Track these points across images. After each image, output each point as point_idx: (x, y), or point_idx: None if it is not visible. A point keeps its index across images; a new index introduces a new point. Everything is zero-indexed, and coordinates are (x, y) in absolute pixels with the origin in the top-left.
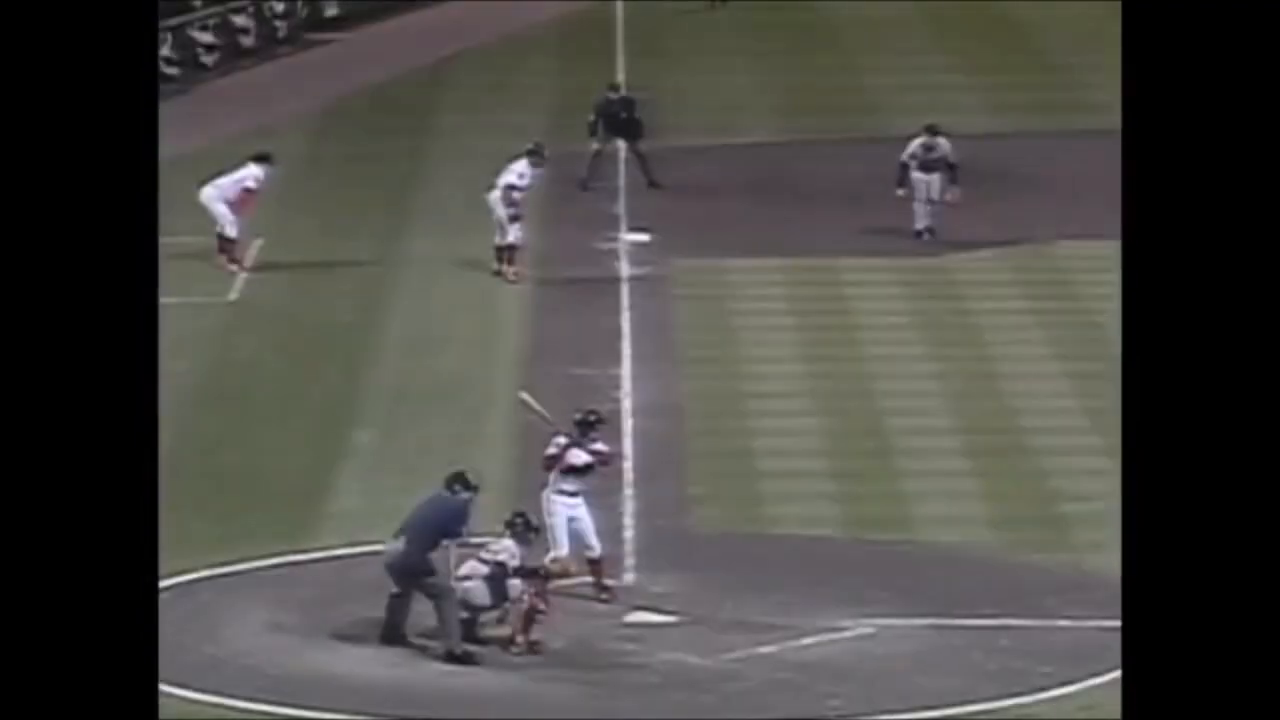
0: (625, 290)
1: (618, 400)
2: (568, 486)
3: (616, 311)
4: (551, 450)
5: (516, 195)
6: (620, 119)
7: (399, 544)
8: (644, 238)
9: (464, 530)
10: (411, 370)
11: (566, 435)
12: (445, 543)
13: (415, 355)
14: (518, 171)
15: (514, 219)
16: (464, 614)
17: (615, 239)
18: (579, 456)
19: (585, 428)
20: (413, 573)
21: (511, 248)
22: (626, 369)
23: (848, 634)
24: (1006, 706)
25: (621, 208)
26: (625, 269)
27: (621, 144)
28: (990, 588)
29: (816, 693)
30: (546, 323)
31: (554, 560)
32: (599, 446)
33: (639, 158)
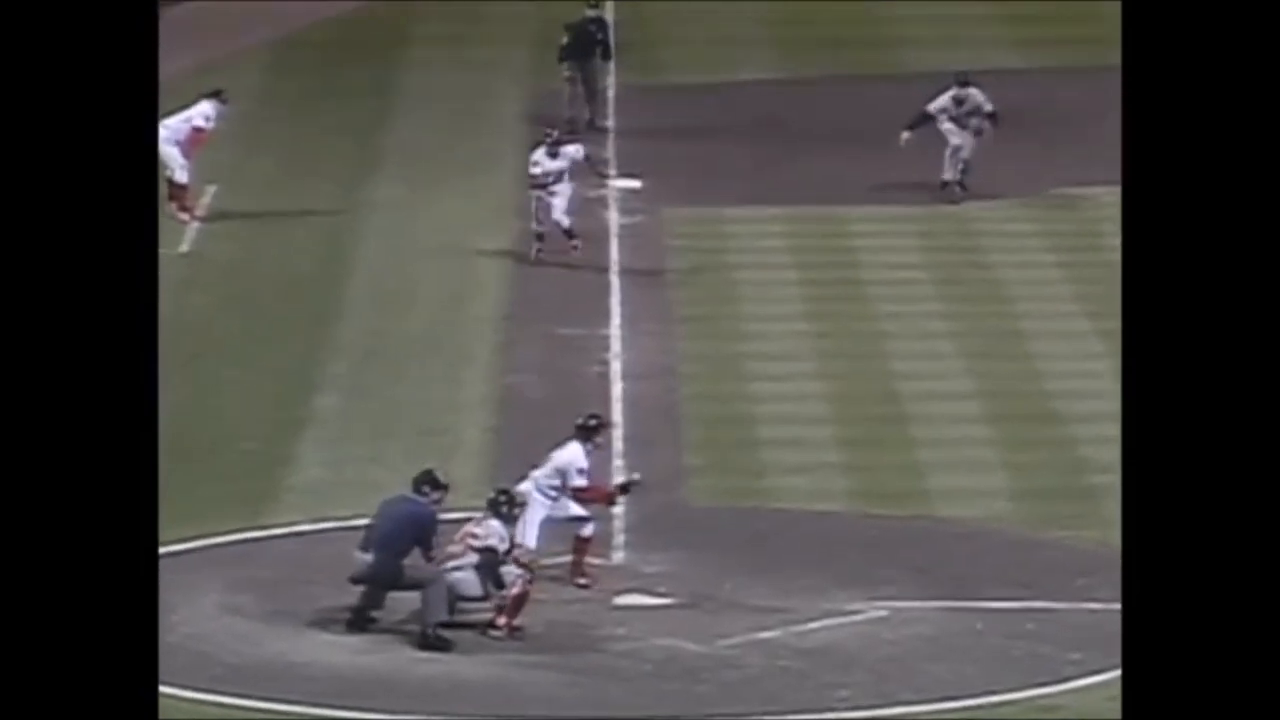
0: (614, 242)
1: (606, 362)
2: (555, 482)
3: (605, 265)
4: (583, 482)
5: (539, 182)
6: (595, 40)
7: (367, 558)
8: (634, 184)
9: (436, 542)
10: (380, 329)
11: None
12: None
13: (384, 312)
14: (532, 159)
15: (546, 206)
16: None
17: (603, 185)
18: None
19: (587, 433)
20: (387, 585)
21: (568, 233)
22: (615, 328)
23: (857, 618)
24: (1031, 697)
25: (610, 151)
26: (614, 218)
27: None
28: (1013, 567)
29: (822, 682)
30: (527, 277)
31: (520, 551)
32: (584, 485)
33: (590, 92)
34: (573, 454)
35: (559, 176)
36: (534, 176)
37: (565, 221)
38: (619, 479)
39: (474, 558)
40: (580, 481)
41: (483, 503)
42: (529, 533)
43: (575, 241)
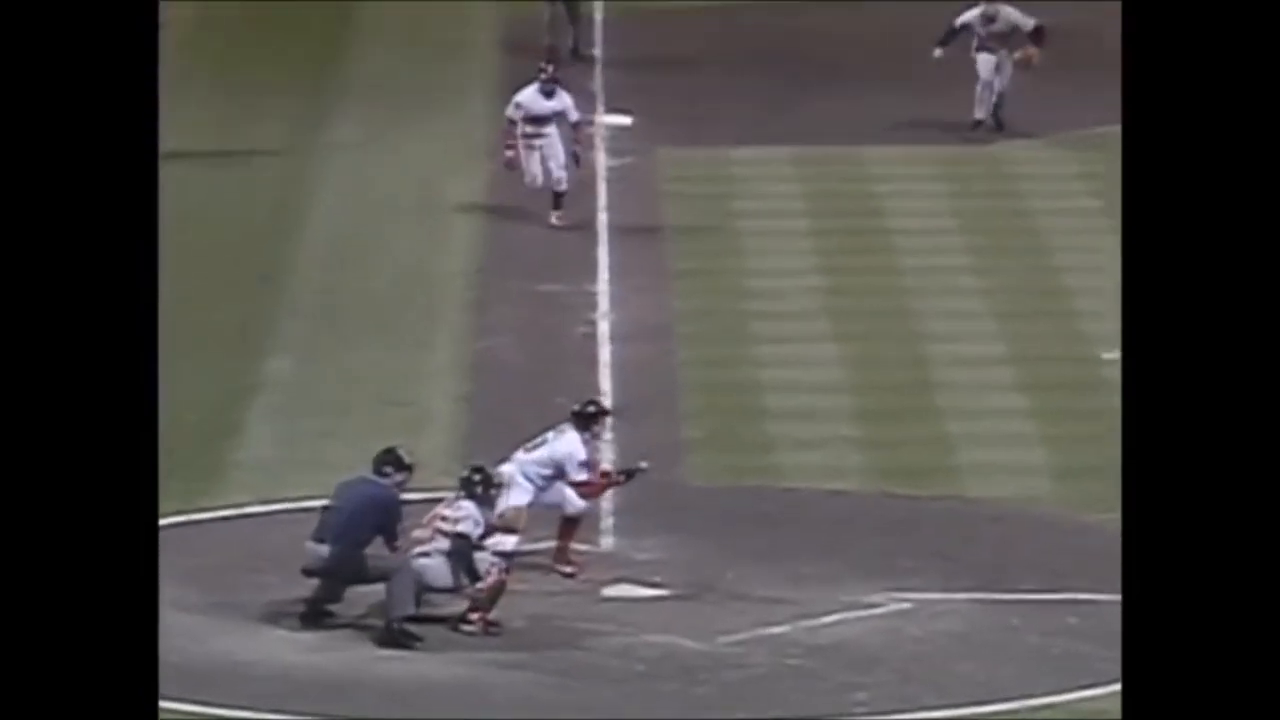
0: (602, 186)
1: (592, 323)
2: (546, 472)
3: (591, 212)
4: (586, 476)
5: (522, 129)
6: None
7: (321, 550)
8: (625, 120)
9: (401, 529)
10: (337, 285)
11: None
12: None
13: (342, 267)
14: (516, 100)
15: (538, 157)
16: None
17: (590, 122)
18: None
19: (585, 421)
20: (346, 578)
21: (559, 199)
22: (603, 284)
23: (877, 611)
24: (1072, 700)
25: (598, 83)
26: (602, 160)
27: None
28: (1054, 553)
29: (837, 683)
30: (503, 227)
31: (506, 511)
32: (585, 479)
33: (573, 15)
34: (570, 446)
35: (549, 121)
36: (515, 122)
37: (563, 184)
38: (607, 464)
39: (444, 544)
40: (580, 476)
41: (453, 482)
42: (512, 502)
43: (559, 213)
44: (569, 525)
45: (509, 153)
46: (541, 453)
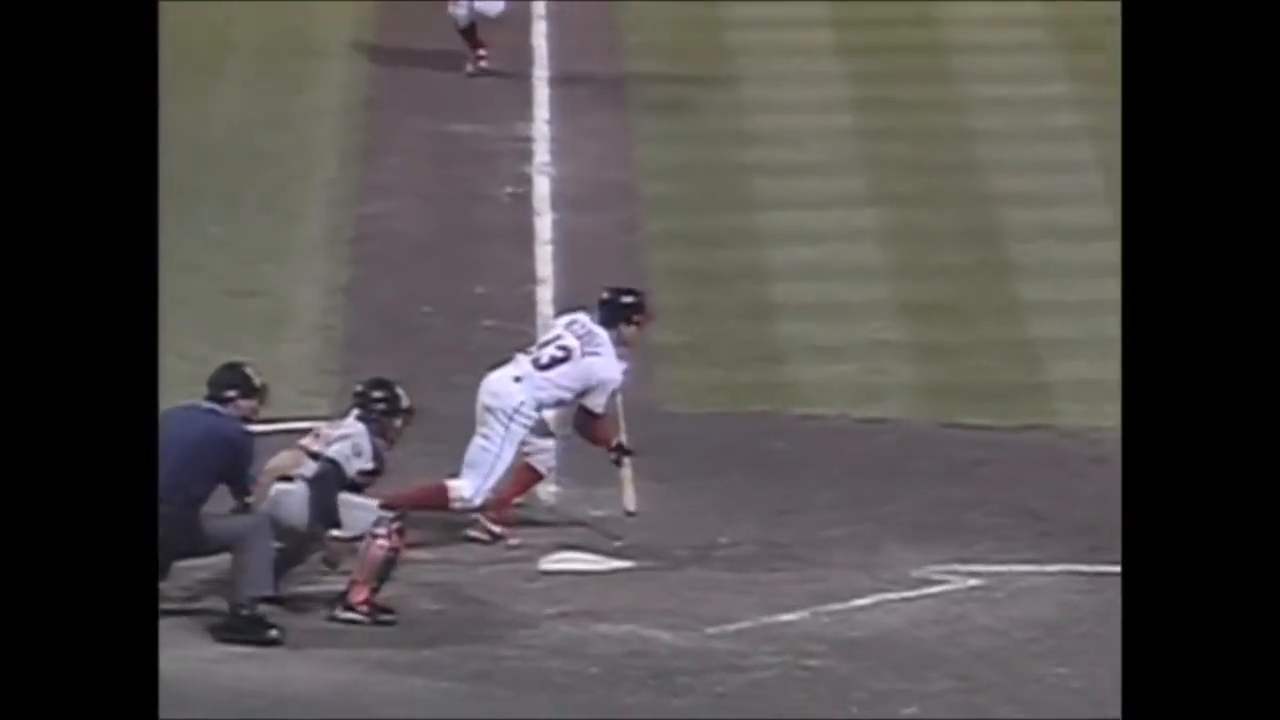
0: None
1: (526, 180)
2: (566, 396)
3: (524, 23)
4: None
5: None
6: None
7: None
8: None
9: (252, 475)
10: (173, 122)
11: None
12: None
13: (167, 100)
14: None
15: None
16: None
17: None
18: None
19: (616, 313)
20: (177, 548)
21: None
22: (541, 124)
23: (934, 590)
24: None
25: None
26: None
27: None
28: None
29: (876, 692)
30: (397, 43)
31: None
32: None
33: None
34: (611, 363)
35: None
36: None
37: (495, 7)
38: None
39: (310, 467)
40: (601, 408)
41: (322, 411)
42: (495, 473)
43: (483, 53)
44: (531, 477)
45: None
46: (564, 372)
